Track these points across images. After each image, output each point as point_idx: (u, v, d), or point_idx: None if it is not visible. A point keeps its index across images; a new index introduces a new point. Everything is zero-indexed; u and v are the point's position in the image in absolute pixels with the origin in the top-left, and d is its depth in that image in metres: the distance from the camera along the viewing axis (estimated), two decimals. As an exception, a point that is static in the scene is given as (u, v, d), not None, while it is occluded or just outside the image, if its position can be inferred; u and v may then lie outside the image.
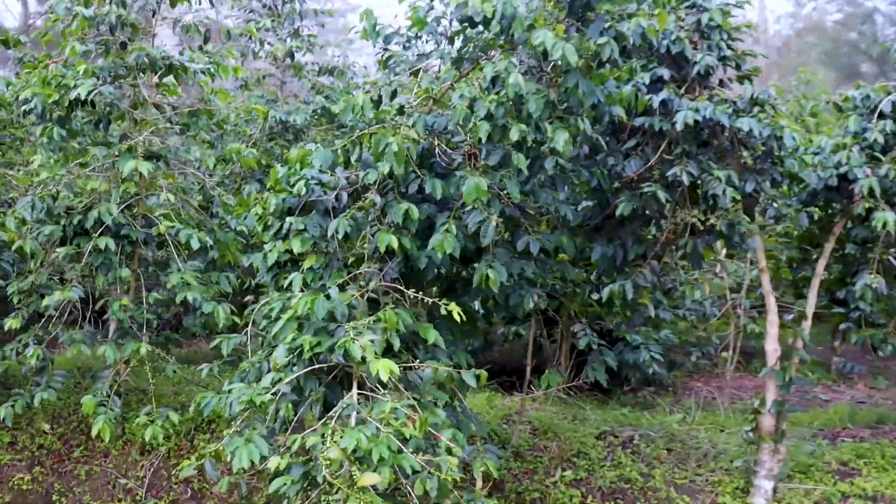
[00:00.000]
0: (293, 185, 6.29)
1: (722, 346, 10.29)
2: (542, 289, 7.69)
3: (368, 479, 4.93)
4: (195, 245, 7.54)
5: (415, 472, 5.07)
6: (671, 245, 6.82)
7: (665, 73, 6.74)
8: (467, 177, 5.67)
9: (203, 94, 8.99)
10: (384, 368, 5.06)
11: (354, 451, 4.97)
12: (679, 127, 6.35)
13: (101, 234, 7.67)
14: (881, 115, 7.07)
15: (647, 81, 6.73)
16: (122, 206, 7.93)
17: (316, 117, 10.79)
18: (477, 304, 7.28)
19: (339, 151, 6.20)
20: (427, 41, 6.70)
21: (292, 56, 10.83)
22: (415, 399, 5.64)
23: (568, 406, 9.25)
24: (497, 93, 5.69)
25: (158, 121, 8.30)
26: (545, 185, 6.50)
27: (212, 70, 8.42)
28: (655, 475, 7.54)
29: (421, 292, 5.79)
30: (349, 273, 6.27)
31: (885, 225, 6.55)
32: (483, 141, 5.71)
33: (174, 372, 8.00)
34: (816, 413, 9.93)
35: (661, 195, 6.39)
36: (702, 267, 7.02)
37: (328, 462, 5.00)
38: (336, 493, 4.96)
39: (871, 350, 8.54)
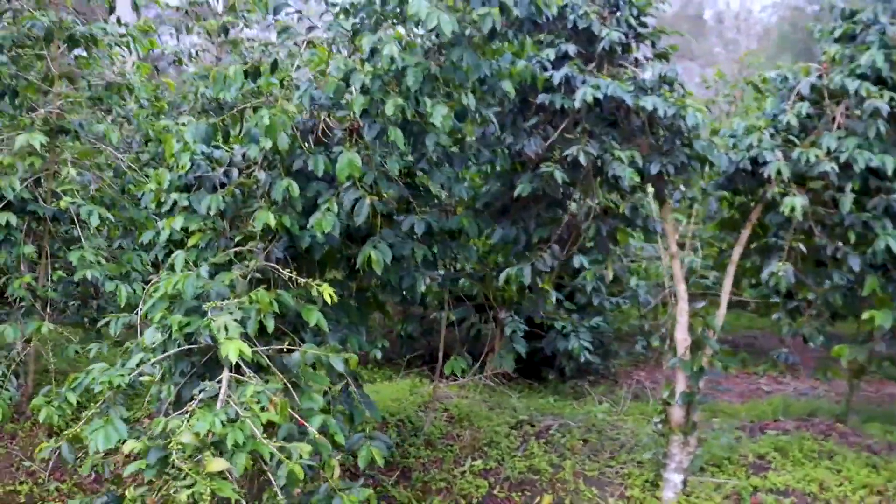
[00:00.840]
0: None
1: (660, 335, 10.06)
2: (454, 272, 7.52)
3: (217, 464, 4.73)
4: (94, 221, 7.30)
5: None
6: (576, 229, 6.58)
7: (571, 48, 6.49)
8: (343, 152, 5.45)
9: (125, 67, 8.76)
10: (234, 350, 4.85)
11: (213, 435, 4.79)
12: (577, 104, 6.11)
13: (2, 210, 7.45)
14: (800, 98, 6.82)
15: (553, 57, 6.48)
16: (29, 181, 7.69)
17: (254, 94, 10.51)
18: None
19: (218, 126, 5.97)
20: (323, 13, 6.42)
21: (226, 31, 10.57)
22: (292, 383, 5.49)
23: (495, 394, 9.03)
24: (375, 65, 5.44)
25: (70, 94, 8.05)
26: (440, 164, 6.27)
27: (129, 43, 8.18)
28: (566, 466, 7.32)
29: (295, 273, 5.57)
30: (238, 252, 6.07)
31: (793, 210, 6.30)
32: (359, 115, 5.48)
33: (76, 353, 7.80)
34: (754, 404, 9.73)
35: (559, 175, 6.15)
36: (609, 251, 6.77)
37: (179, 446, 4.82)
38: (184, 478, 4.77)
39: (803, 341, 8.29)
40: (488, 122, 6.38)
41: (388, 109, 5.36)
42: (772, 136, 6.71)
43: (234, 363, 4.97)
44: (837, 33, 7.14)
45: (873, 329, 7.20)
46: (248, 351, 4.91)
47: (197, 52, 10.82)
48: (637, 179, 6.08)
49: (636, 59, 6.83)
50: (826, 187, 6.67)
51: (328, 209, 5.63)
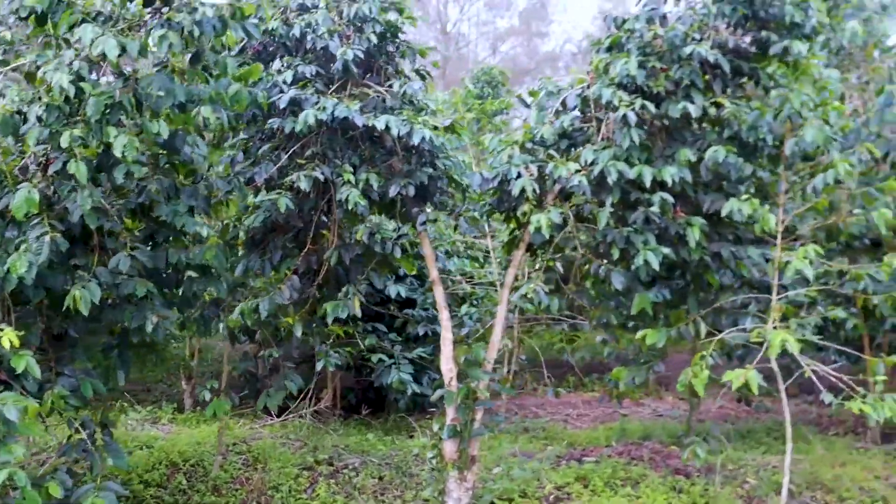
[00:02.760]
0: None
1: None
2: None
3: None
4: None
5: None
6: (319, 256, 6.26)
7: (310, 70, 6.24)
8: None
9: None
10: None
11: None
12: (299, 127, 5.84)
13: None
14: (566, 110, 6.57)
15: (290, 80, 6.21)
16: None
17: None
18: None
19: None
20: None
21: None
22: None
23: (312, 432, 8.65)
24: (52, 96, 5.17)
25: None
26: (170, 197, 5.97)
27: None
28: (348, 507, 6.96)
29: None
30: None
31: (539, 228, 6.00)
32: (34, 147, 5.20)
33: None
34: (595, 430, 9.37)
35: (283, 203, 5.85)
36: (354, 281, 6.44)
37: None
38: None
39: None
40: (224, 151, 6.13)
41: (62, 141, 5.08)
42: (531, 150, 6.44)
43: None
44: (608, 42, 6.91)
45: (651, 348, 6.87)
46: None
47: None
48: (363, 203, 5.78)
49: (388, 78, 6.57)
50: (588, 202, 6.39)
51: (26, 249, 5.32)
